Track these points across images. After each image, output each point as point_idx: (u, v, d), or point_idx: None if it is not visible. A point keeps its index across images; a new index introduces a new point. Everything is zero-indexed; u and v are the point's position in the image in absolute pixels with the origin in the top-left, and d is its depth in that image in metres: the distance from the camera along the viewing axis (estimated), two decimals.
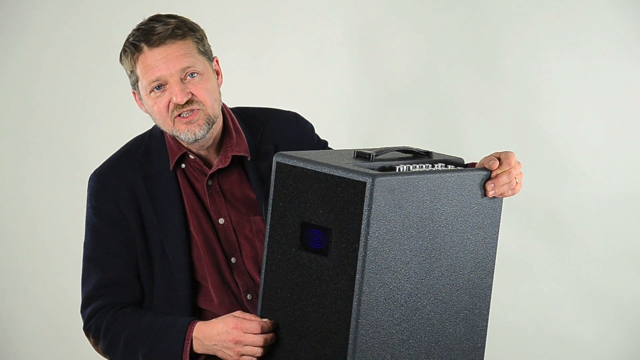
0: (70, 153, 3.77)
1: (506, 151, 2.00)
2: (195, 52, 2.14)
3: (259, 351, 1.93)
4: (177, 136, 2.16)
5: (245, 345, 1.95)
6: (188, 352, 2.05)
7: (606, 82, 3.48)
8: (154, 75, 2.11)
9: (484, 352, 2.03)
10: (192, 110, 2.13)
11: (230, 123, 2.25)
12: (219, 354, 2.02)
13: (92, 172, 2.26)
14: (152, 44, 2.10)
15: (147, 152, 2.24)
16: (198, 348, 2.05)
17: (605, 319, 3.48)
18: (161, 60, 2.10)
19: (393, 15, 3.61)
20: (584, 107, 3.51)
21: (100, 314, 2.19)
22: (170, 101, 2.12)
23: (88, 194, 2.24)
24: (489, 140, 3.53)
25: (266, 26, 3.67)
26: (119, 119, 3.70)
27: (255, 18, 3.67)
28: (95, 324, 2.19)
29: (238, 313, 1.99)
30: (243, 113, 2.32)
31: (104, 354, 2.21)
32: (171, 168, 2.21)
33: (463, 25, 3.57)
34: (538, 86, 3.53)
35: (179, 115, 2.13)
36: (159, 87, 2.12)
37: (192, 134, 2.14)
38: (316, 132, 2.38)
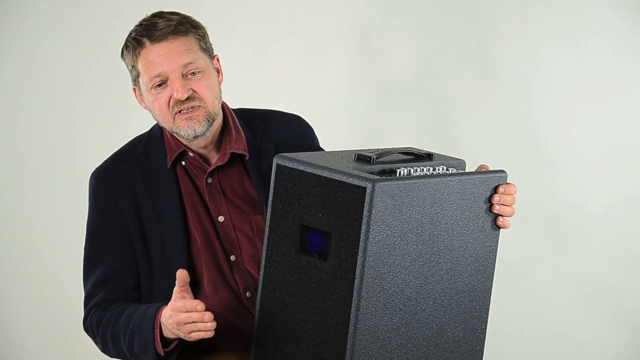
0: (69, 153, 3.77)
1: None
2: (197, 49, 2.16)
3: (205, 326, 1.93)
4: (177, 132, 2.17)
5: (187, 323, 1.95)
6: (159, 340, 2.05)
7: (606, 84, 3.46)
8: (156, 70, 2.12)
9: (482, 354, 2.02)
10: (192, 107, 2.14)
11: (230, 121, 2.25)
12: (181, 336, 2.01)
13: (91, 171, 2.27)
14: (154, 40, 2.12)
15: (146, 150, 2.25)
16: (167, 333, 2.05)
17: (605, 320, 3.48)
18: (163, 55, 2.12)
19: (392, 16, 3.59)
20: (584, 108, 3.49)
21: (92, 312, 2.21)
22: (171, 97, 2.13)
23: (88, 192, 2.25)
24: (488, 141, 3.52)
25: (264, 26, 3.66)
26: (118, 119, 3.71)
27: (253, 18, 3.66)
28: (90, 324, 2.22)
29: (175, 293, 1.99)
30: (244, 113, 2.33)
31: (103, 352, 2.23)
32: (169, 165, 2.22)
33: (462, 25, 3.55)
34: (537, 87, 3.51)
35: (180, 111, 2.14)
36: (160, 84, 2.13)
37: (192, 130, 2.15)
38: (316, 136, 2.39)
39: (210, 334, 1.96)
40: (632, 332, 3.45)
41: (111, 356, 2.21)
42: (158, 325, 2.05)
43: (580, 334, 3.50)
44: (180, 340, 2.07)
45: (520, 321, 3.55)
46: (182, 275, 1.96)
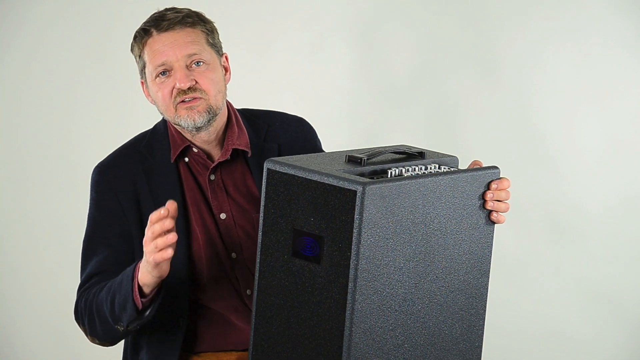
0: (68, 153, 3.78)
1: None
2: (203, 42, 2.19)
3: (164, 240, 1.91)
4: (179, 123, 2.19)
5: (149, 247, 1.94)
6: (137, 289, 2.03)
7: (607, 84, 3.43)
8: (160, 59, 2.15)
9: (481, 351, 2.02)
10: (194, 98, 2.16)
11: (234, 119, 2.27)
12: (150, 268, 1.99)
13: (90, 170, 2.27)
14: (160, 29, 2.15)
15: (149, 146, 2.27)
16: (144, 278, 2.02)
17: (604, 319, 3.46)
18: (168, 45, 2.15)
19: (392, 14, 3.58)
20: (585, 108, 3.47)
21: (78, 299, 2.20)
22: (174, 87, 2.15)
23: (90, 186, 2.27)
24: (488, 141, 3.51)
25: (264, 23, 3.66)
26: (117, 119, 3.71)
27: (252, 15, 3.65)
28: (79, 307, 2.20)
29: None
30: (248, 113, 2.35)
31: (91, 338, 2.20)
32: (172, 160, 2.23)
33: (464, 25, 3.54)
34: (538, 87, 3.50)
35: (182, 101, 2.16)
36: (164, 72, 2.16)
37: (192, 120, 2.16)
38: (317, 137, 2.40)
39: (168, 248, 1.92)
40: (632, 332, 3.43)
41: (99, 338, 2.17)
42: (136, 276, 2.03)
43: (579, 333, 3.49)
44: (160, 292, 2.06)
45: (519, 320, 3.54)
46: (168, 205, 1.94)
